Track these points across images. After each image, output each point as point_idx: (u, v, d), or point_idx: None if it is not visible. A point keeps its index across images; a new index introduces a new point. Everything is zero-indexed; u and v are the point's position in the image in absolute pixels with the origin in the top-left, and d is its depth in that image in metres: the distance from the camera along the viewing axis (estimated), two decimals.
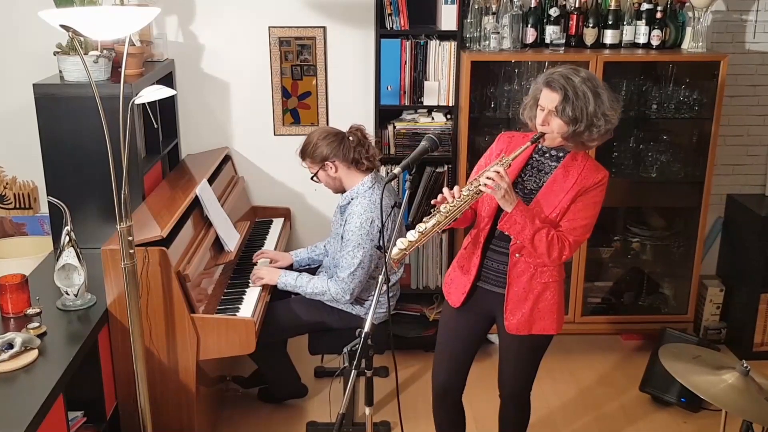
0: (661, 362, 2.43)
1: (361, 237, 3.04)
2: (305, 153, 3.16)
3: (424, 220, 2.41)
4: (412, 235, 2.39)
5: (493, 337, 3.84)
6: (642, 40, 3.75)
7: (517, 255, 2.54)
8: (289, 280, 3.20)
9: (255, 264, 3.42)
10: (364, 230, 3.04)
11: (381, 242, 2.97)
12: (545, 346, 2.69)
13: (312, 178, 3.21)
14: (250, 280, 3.28)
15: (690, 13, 3.73)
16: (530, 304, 2.56)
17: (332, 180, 3.17)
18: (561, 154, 2.52)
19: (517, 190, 2.51)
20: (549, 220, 2.46)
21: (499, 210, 2.49)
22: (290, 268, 3.45)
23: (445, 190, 2.42)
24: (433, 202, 2.44)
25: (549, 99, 2.40)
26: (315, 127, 3.38)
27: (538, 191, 2.51)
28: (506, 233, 2.51)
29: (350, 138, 3.14)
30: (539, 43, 3.77)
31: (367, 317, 2.21)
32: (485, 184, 2.35)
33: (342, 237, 3.12)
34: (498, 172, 2.35)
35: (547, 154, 2.54)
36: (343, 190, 3.20)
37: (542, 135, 2.43)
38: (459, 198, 2.39)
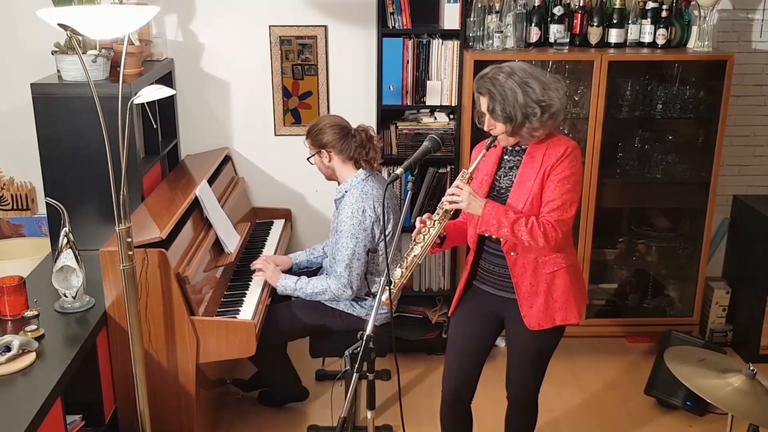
0: (667, 365, 2.41)
1: (353, 227, 3.05)
2: (310, 133, 3.23)
3: (405, 255, 2.47)
4: (397, 273, 2.43)
5: (498, 340, 3.81)
6: (647, 39, 3.73)
7: (512, 254, 2.54)
8: (288, 284, 3.20)
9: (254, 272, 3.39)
10: (356, 220, 3.05)
11: (383, 239, 2.97)
12: (554, 346, 2.67)
13: (308, 159, 3.26)
14: (251, 277, 3.28)
15: (696, 12, 3.70)
16: (543, 297, 2.55)
17: (325, 167, 3.23)
18: (525, 146, 2.53)
19: (494, 193, 2.55)
20: (526, 209, 2.46)
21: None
22: (289, 270, 3.45)
23: (418, 219, 2.47)
24: (413, 235, 2.48)
25: (483, 104, 2.49)
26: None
27: (511, 186, 2.53)
28: (488, 235, 2.54)
29: (355, 137, 3.17)
30: (543, 42, 3.75)
31: (368, 319, 2.19)
32: (448, 202, 2.42)
33: (336, 231, 3.14)
34: (457, 186, 2.42)
35: (513, 151, 2.56)
36: (336, 179, 3.23)
37: (495, 138, 2.49)
38: (431, 224, 2.44)
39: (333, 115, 3.31)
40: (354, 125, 3.24)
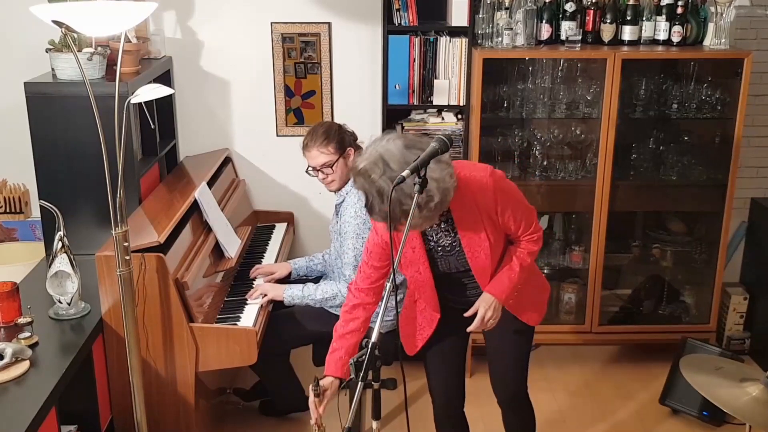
0: (683, 374, 2.39)
1: (357, 226, 3.01)
2: (329, 138, 3.03)
3: None
4: None
5: None
6: (662, 36, 3.66)
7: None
8: (295, 292, 3.15)
9: (253, 280, 3.36)
10: (360, 219, 3.01)
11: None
12: (530, 336, 2.70)
13: (331, 167, 3.05)
14: (253, 283, 3.22)
15: (712, 9, 3.64)
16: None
17: (348, 170, 3.04)
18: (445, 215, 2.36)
19: (440, 253, 2.44)
20: (493, 251, 2.41)
21: (432, 260, 2.44)
22: (288, 276, 3.41)
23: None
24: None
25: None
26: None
27: (458, 243, 2.41)
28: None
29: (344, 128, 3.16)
30: (554, 40, 3.68)
31: (374, 326, 2.13)
32: None
33: (340, 234, 3.10)
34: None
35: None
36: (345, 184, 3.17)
37: None
38: None
39: (324, 121, 3.30)
40: (358, 126, 3.20)
